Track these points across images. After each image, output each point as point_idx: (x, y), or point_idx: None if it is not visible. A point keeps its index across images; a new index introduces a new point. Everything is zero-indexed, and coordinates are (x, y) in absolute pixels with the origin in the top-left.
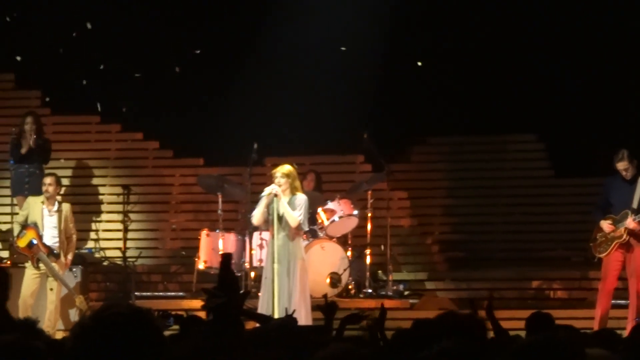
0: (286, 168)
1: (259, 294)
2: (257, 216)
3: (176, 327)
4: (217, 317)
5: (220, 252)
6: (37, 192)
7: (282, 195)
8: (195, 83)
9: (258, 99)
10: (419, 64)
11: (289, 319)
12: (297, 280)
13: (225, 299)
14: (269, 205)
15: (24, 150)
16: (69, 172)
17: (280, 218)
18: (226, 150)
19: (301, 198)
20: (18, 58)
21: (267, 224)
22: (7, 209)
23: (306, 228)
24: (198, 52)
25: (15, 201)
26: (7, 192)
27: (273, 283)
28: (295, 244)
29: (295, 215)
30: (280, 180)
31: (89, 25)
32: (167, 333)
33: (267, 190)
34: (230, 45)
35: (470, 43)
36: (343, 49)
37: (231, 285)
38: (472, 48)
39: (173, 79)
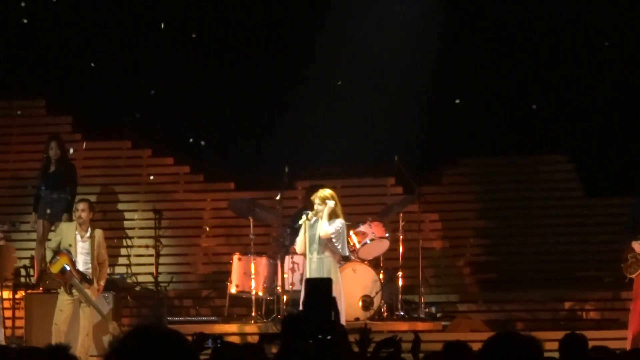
0: (324, 193)
1: None
2: (299, 244)
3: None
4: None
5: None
6: (58, 218)
7: (320, 219)
8: (225, 108)
9: (289, 122)
10: (457, 101)
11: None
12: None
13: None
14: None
15: (45, 179)
16: (100, 198)
17: (313, 241)
18: (257, 174)
19: (338, 222)
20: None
21: None
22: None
23: (345, 253)
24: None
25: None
26: None
27: None
28: (329, 267)
29: (327, 227)
30: (318, 207)
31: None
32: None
33: (304, 217)
34: (261, 71)
35: (500, 65)
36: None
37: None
38: (502, 69)
39: (204, 104)
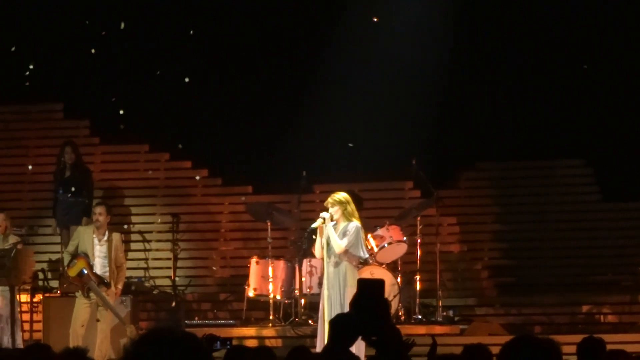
0: (337, 196)
1: (310, 321)
2: (317, 249)
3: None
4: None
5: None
6: (76, 222)
7: (334, 222)
8: (243, 112)
9: (306, 126)
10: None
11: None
12: (348, 308)
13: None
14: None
15: (62, 183)
16: (118, 201)
17: (330, 244)
18: (275, 178)
19: (352, 225)
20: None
21: None
22: (57, 239)
23: (363, 255)
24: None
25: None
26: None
27: (325, 309)
28: (345, 270)
29: (340, 242)
30: (332, 209)
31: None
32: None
33: (318, 222)
34: (278, 75)
35: (517, 69)
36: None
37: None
38: (519, 74)
39: (221, 107)
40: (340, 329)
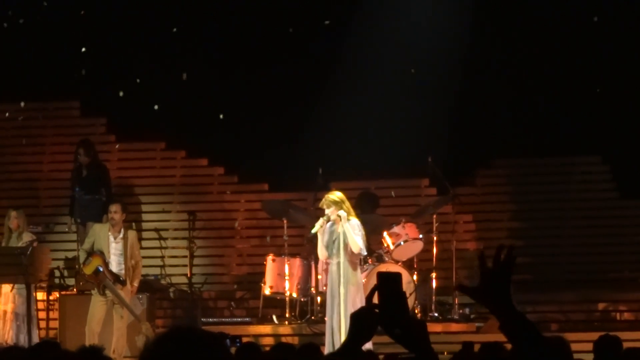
0: (331, 196)
1: (326, 318)
2: (320, 252)
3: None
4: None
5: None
6: (94, 220)
7: (331, 222)
8: (259, 109)
9: (323, 123)
10: None
11: None
12: (349, 306)
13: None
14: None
15: (79, 182)
16: (134, 199)
17: (331, 245)
18: (291, 176)
19: (354, 223)
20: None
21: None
22: (73, 237)
23: (364, 252)
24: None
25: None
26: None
27: (332, 307)
28: (348, 269)
29: (358, 241)
30: (328, 210)
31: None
32: None
33: (317, 226)
34: (294, 72)
35: (534, 66)
36: (412, 71)
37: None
38: (535, 71)
39: (238, 105)
40: (363, 324)
